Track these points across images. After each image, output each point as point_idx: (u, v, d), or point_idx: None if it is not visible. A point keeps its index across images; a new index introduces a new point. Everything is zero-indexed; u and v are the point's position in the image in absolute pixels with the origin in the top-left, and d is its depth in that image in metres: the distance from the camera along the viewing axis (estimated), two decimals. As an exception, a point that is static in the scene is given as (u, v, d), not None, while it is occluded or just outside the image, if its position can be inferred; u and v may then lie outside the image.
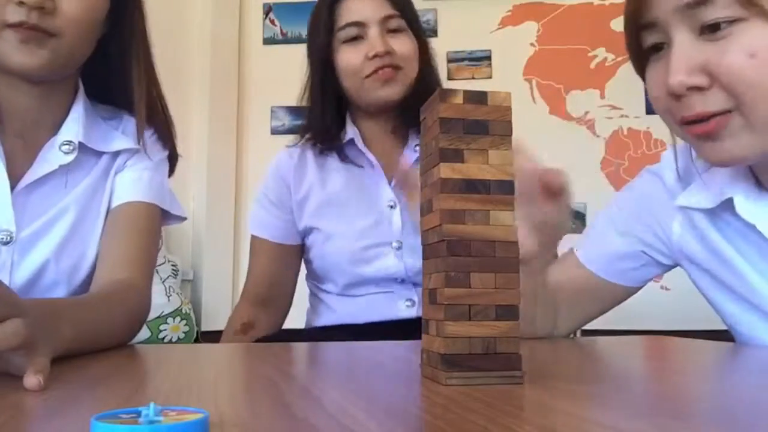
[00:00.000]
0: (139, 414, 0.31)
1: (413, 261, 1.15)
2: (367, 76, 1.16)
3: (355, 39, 1.17)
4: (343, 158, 1.23)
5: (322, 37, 1.19)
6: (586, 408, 0.40)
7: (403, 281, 1.18)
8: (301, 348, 0.82)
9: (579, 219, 3.55)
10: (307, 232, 1.25)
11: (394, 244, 1.17)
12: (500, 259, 0.47)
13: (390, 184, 1.22)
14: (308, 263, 1.29)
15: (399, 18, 1.18)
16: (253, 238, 1.31)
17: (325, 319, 1.23)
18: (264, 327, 1.26)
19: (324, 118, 1.21)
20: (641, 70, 0.76)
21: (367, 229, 1.18)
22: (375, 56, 1.15)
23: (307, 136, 1.25)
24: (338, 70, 1.19)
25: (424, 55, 1.23)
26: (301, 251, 1.28)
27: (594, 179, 3.57)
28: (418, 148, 1.17)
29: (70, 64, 0.86)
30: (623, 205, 0.93)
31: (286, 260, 1.28)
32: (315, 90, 1.23)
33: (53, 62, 0.82)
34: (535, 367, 0.57)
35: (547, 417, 0.38)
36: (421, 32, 1.23)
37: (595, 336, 1.40)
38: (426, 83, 1.20)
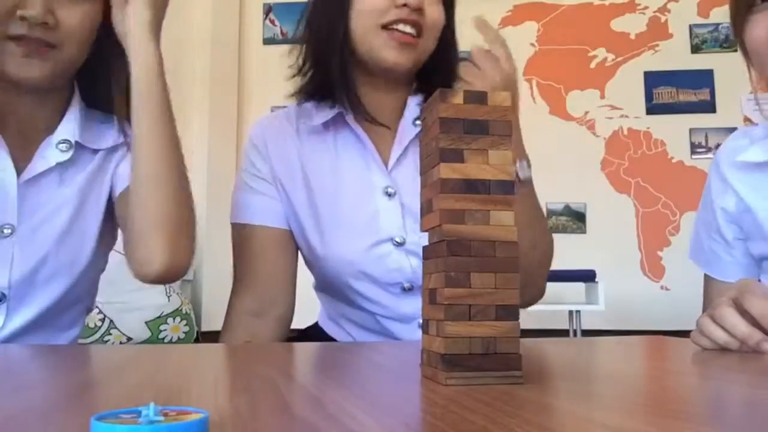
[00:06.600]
0: (139, 414, 0.31)
1: (419, 262, 0.95)
2: (385, 27, 1.00)
3: None
4: (332, 131, 1.06)
5: None
6: (586, 408, 0.40)
7: (411, 289, 1.00)
8: (301, 348, 0.82)
9: (579, 219, 3.55)
10: (293, 229, 1.06)
11: (396, 240, 1.00)
12: (500, 259, 0.47)
13: (386, 166, 1.04)
14: (309, 267, 1.09)
15: None
16: (239, 228, 1.05)
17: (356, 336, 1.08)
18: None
19: (331, 64, 1.02)
20: (741, 28, 0.87)
21: (361, 225, 1.01)
22: (404, 5, 0.99)
23: (305, 92, 1.07)
24: (353, 10, 1.01)
25: (447, 31, 1.08)
26: (295, 240, 1.06)
27: (594, 179, 3.58)
28: (418, 122, 1.03)
29: (67, 72, 0.91)
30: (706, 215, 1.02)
31: (286, 249, 1.05)
32: (323, 28, 1.04)
33: (54, 73, 0.86)
34: (535, 367, 0.57)
35: (547, 417, 0.38)
36: (452, 8, 1.09)
37: (595, 336, 1.40)
38: (442, 59, 1.07)
